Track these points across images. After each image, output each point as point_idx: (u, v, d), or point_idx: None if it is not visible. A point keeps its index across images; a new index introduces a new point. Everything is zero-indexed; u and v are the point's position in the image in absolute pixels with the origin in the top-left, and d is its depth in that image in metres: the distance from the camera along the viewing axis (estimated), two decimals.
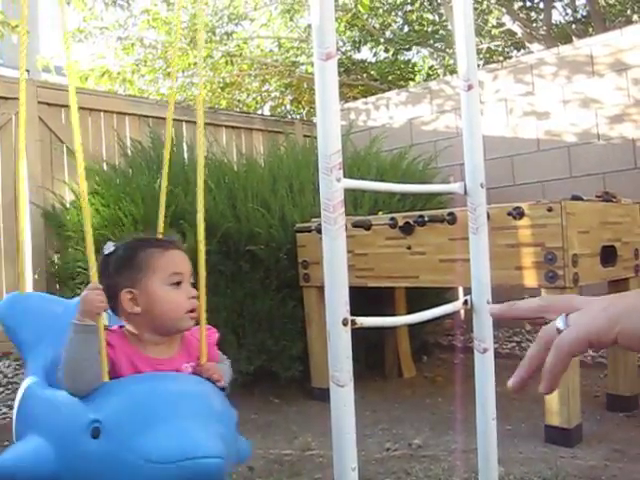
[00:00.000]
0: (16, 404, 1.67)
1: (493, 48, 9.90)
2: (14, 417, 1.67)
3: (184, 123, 5.48)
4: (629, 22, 8.29)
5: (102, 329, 1.45)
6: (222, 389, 1.55)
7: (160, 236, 1.87)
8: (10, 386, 3.67)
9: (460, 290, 4.34)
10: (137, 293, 1.51)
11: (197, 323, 1.62)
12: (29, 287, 4.57)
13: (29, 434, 1.49)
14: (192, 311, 1.55)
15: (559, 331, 0.66)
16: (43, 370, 1.70)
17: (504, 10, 8.75)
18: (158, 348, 1.54)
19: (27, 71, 10.86)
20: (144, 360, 1.50)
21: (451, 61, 9.49)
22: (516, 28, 8.84)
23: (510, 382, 0.76)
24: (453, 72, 8.16)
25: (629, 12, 9.13)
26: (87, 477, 1.37)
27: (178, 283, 1.53)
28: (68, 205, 4.45)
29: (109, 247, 1.60)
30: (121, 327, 1.58)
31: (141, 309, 1.51)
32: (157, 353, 1.54)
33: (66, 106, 4.84)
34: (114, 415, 1.35)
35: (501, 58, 9.22)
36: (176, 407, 1.37)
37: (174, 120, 5.52)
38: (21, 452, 1.46)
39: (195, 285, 1.61)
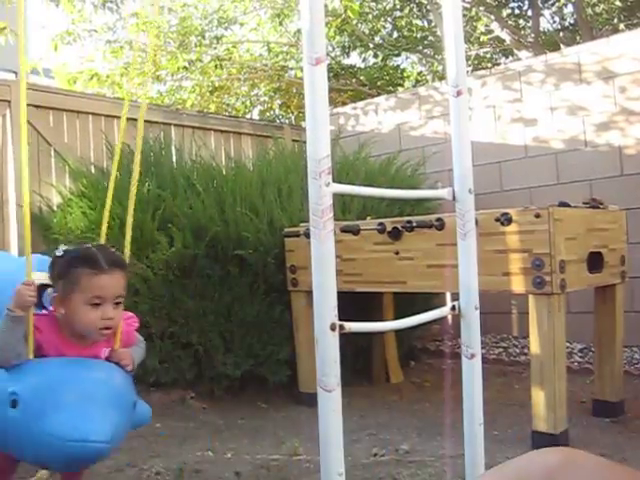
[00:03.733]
0: None
1: (482, 55, 9.96)
2: None
3: (172, 127, 5.46)
4: (616, 31, 8.36)
5: (31, 318, 1.72)
6: (130, 371, 1.85)
7: (108, 249, 1.96)
8: None
9: (448, 296, 4.35)
10: (63, 300, 1.75)
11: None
12: None
13: None
14: (106, 328, 1.76)
15: None
16: None
17: (492, 17, 8.81)
18: (84, 336, 1.80)
19: (14, 73, 10.81)
20: (68, 345, 1.77)
21: (440, 67, 9.54)
22: (504, 35, 8.89)
23: None
24: (442, 78, 8.20)
25: (616, 21, 9.21)
26: (7, 440, 1.66)
27: (97, 304, 1.73)
28: (55, 207, 4.42)
29: (60, 250, 1.83)
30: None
31: (64, 313, 1.75)
32: (82, 340, 1.79)
33: (54, 108, 4.82)
34: (29, 391, 1.62)
35: (490, 65, 9.27)
36: (81, 391, 1.62)
37: (162, 124, 5.51)
38: None
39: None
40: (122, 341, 1.87)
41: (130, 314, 1.97)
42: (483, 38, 9.41)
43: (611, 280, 3.09)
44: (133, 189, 2.24)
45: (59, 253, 1.82)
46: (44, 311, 1.83)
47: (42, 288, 1.79)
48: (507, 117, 5.29)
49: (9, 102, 4.56)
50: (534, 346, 2.70)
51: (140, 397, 1.89)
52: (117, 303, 1.78)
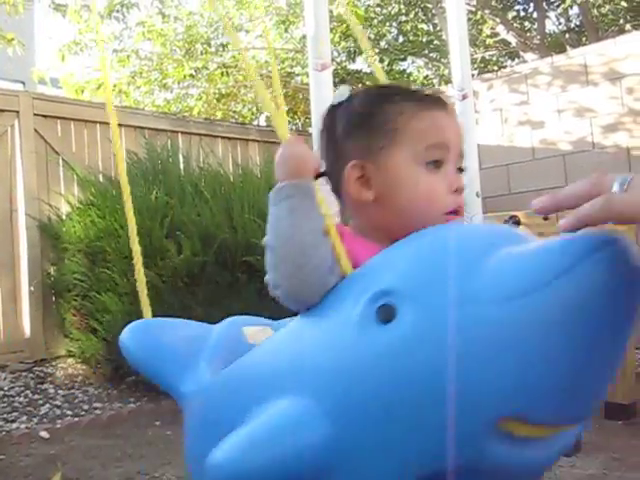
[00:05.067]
0: (191, 428, 1.11)
1: (487, 58, 9.96)
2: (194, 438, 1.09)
3: (179, 134, 5.48)
4: (622, 31, 8.34)
5: (322, 196, 0.89)
6: None
7: None
8: (6, 399, 3.65)
9: None
10: (372, 169, 0.93)
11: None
12: (25, 299, 4.56)
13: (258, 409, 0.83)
14: (455, 212, 0.95)
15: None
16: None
17: (498, 20, 8.81)
18: None
19: (23, 83, 10.88)
20: None
21: (446, 71, 9.53)
22: (510, 38, 8.89)
23: (535, 202, 0.70)
24: (448, 82, 8.19)
25: (622, 22, 9.19)
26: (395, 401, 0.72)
27: (438, 163, 0.93)
28: (64, 217, 4.44)
29: (342, 93, 1.00)
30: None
31: (374, 195, 0.93)
32: None
33: (62, 118, 4.85)
34: (415, 275, 0.76)
35: (495, 68, 9.27)
36: (490, 239, 0.81)
37: (169, 132, 5.53)
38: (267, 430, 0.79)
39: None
40: None
41: None
42: (489, 41, 9.41)
43: None
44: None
45: (341, 98, 1.00)
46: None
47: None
48: (514, 120, 5.28)
49: (17, 112, 4.60)
50: None
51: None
52: (460, 171, 0.99)
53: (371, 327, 0.73)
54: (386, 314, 0.73)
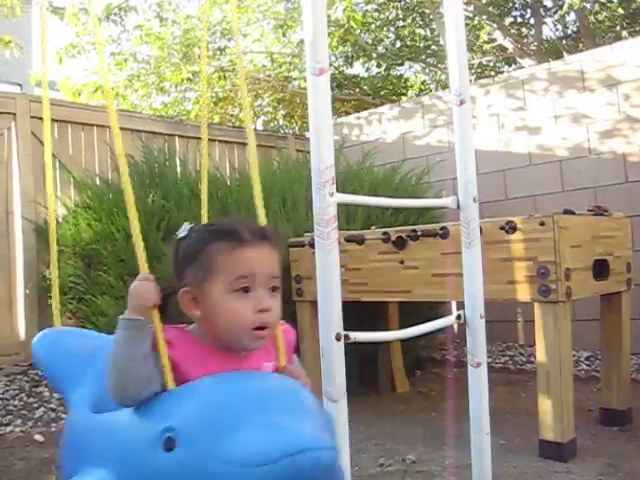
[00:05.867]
0: (63, 441, 1.51)
1: (485, 63, 9.98)
2: (62, 457, 1.50)
3: (176, 138, 5.48)
4: (619, 38, 8.37)
5: (158, 324, 1.22)
6: None
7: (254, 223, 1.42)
8: (0, 402, 3.64)
9: (453, 304, 4.34)
10: (198, 294, 1.23)
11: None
12: (20, 301, 4.55)
13: (83, 469, 1.27)
14: (262, 328, 1.22)
15: None
16: (90, 401, 1.52)
17: (495, 26, 8.83)
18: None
19: (20, 85, 10.87)
20: (213, 357, 1.23)
21: (443, 76, 9.56)
22: (507, 43, 8.91)
23: None
24: (445, 87, 8.22)
25: (618, 28, 9.22)
26: None
27: (246, 289, 1.21)
28: (60, 219, 4.43)
29: (184, 229, 1.31)
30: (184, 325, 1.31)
31: (201, 314, 1.24)
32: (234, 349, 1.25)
33: (59, 121, 4.85)
34: (191, 419, 1.09)
35: (493, 73, 9.29)
36: (266, 403, 1.10)
37: (166, 135, 5.53)
38: None
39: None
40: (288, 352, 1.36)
41: (282, 322, 1.36)
42: (486, 47, 9.43)
43: (617, 287, 3.08)
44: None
45: (183, 233, 1.31)
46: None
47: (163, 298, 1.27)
48: (511, 125, 5.29)
49: (14, 115, 4.59)
50: (540, 354, 2.69)
51: None
52: (274, 289, 1.25)
53: (159, 451, 1.08)
54: (169, 444, 1.07)
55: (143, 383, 1.17)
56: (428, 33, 9.77)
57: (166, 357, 1.19)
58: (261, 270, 1.22)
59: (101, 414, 1.37)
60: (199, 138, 5.82)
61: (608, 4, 8.87)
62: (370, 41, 9.50)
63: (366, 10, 9.07)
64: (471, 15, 8.85)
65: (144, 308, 1.21)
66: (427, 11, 8.97)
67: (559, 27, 9.96)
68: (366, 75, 9.83)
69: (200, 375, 1.17)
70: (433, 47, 9.57)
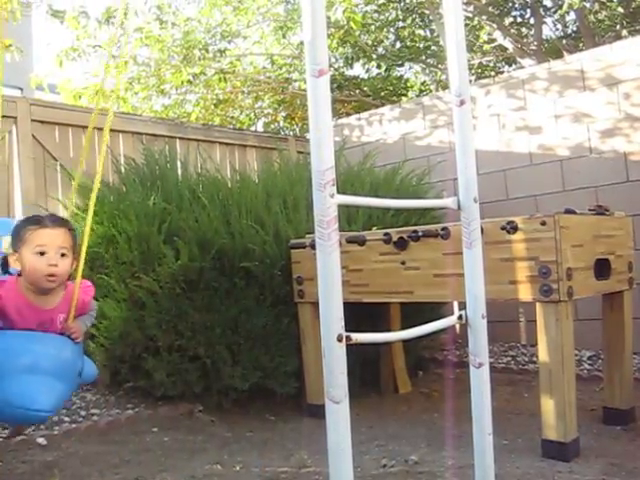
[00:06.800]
0: None
1: (485, 63, 9.98)
2: None
3: (177, 140, 5.48)
4: (618, 37, 8.37)
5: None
6: (78, 343, 2.16)
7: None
8: None
9: (455, 304, 4.34)
10: (19, 257, 2.08)
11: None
12: None
13: None
14: (52, 275, 2.05)
15: None
16: None
17: (495, 26, 8.83)
18: (42, 298, 2.11)
19: (20, 89, 10.87)
20: (28, 307, 2.08)
21: (443, 77, 9.56)
22: (507, 43, 8.91)
23: None
24: (445, 87, 8.21)
25: (618, 27, 9.22)
26: None
27: (42, 253, 2.05)
28: None
29: (16, 220, 2.28)
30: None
31: (21, 268, 2.08)
32: (41, 302, 2.10)
33: (60, 124, 4.85)
34: None
35: (493, 73, 9.29)
36: (30, 362, 1.94)
37: (167, 137, 5.54)
38: None
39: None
40: (77, 309, 2.16)
41: (87, 282, 2.29)
42: (486, 47, 9.43)
43: (619, 287, 3.08)
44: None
45: (17, 221, 2.24)
46: (7, 277, 2.16)
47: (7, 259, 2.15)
48: (511, 125, 5.29)
49: (15, 118, 4.59)
50: (542, 354, 2.69)
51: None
52: (62, 255, 2.08)
53: None
54: None
55: None
56: (428, 34, 9.78)
57: None
58: (53, 243, 2.07)
59: None
60: (200, 140, 5.84)
61: (608, 3, 8.88)
62: (370, 42, 9.49)
63: (366, 11, 9.07)
64: (471, 15, 8.85)
65: None
66: (427, 12, 8.97)
67: (559, 27, 9.96)
68: (366, 76, 9.83)
69: (17, 319, 2.06)
70: (433, 48, 9.57)
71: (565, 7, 7.19)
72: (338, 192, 1.28)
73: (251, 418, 3.52)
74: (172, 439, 3.15)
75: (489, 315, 1.65)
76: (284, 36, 8.80)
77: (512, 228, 2.74)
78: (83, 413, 3.44)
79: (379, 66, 9.59)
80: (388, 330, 3.69)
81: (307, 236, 3.53)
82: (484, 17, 8.85)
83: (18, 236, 2.09)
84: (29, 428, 2.92)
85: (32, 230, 2.07)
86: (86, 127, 4.98)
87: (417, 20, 9.64)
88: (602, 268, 2.93)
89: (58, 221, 2.17)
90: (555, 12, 9.34)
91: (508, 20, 9.52)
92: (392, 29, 9.72)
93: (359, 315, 2.74)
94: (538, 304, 2.68)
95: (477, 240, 1.58)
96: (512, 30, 9.27)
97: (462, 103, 1.57)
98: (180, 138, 5.51)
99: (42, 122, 4.75)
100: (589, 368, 4.36)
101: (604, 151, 4.80)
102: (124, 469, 2.72)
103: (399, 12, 9.43)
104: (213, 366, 3.52)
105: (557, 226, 2.63)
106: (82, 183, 4.41)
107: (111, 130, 5.11)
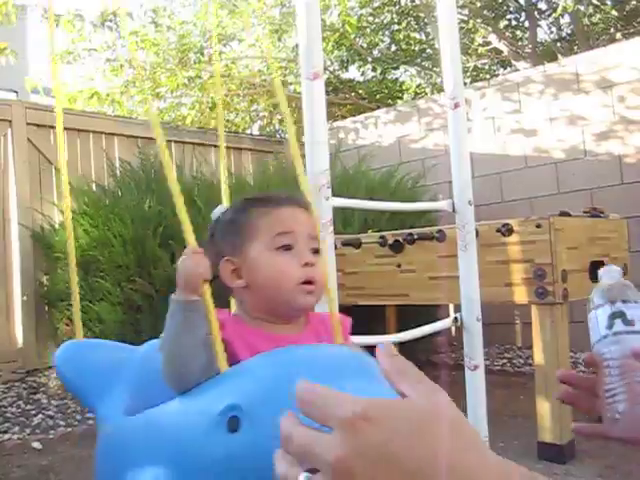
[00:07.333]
0: (98, 458, 1.42)
1: (480, 66, 10.00)
2: (99, 475, 1.43)
3: (173, 143, 5.48)
4: (613, 40, 8.39)
5: (210, 302, 1.11)
6: None
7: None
8: None
9: (451, 307, 4.34)
10: (239, 264, 1.18)
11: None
12: (17, 308, 4.55)
13: (130, 475, 1.13)
14: (308, 282, 1.14)
15: None
16: (124, 407, 1.41)
17: (490, 29, 8.85)
18: (279, 326, 1.18)
19: (15, 92, 10.86)
20: (265, 339, 1.14)
21: (438, 79, 9.56)
22: (502, 46, 8.93)
23: None
24: (441, 90, 8.21)
25: (612, 30, 9.25)
26: None
27: (288, 247, 1.16)
28: (57, 226, 4.43)
29: (220, 210, 1.30)
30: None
31: (245, 282, 1.18)
32: (280, 330, 1.17)
33: (55, 127, 4.85)
34: (255, 396, 0.98)
35: (488, 76, 9.31)
36: (333, 371, 0.99)
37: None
38: None
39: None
40: (343, 336, 1.24)
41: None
42: (481, 50, 9.45)
43: None
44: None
45: (219, 212, 1.30)
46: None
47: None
48: (506, 128, 5.30)
49: (10, 122, 4.59)
50: (538, 356, 2.70)
51: None
52: (315, 252, 1.19)
53: (222, 433, 0.96)
54: (233, 424, 0.95)
55: (205, 368, 1.07)
56: (423, 37, 9.79)
57: (219, 338, 1.09)
58: (299, 228, 1.17)
59: (142, 413, 1.23)
60: (195, 143, 5.85)
61: (602, 6, 8.90)
62: (365, 45, 9.51)
63: (361, 14, 9.08)
64: (466, 18, 8.87)
65: (197, 285, 1.10)
66: (422, 15, 8.99)
67: (553, 30, 9.99)
68: (362, 79, 9.84)
69: (249, 357, 1.07)
70: (428, 51, 9.59)
71: (559, 10, 7.21)
72: (333, 195, 1.28)
73: None
74: None
75: (485, 317, 1.66)
76: (279, 39, 8.81)
77: (507, 230, 2.74)
78: (79, 417, 3.44)
79: (374, 69, 9.60)
80: (384, 333, 3.69)
81: None
82: (479, 20, 8.87)
83: (238, 230, 1.21)
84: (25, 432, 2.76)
85: (263, 212, 1.19)
86: (81, 130, 5.00)
87: (412, 23, 9.65)
88: (597, 270, 2.93)
89: (299, 201, 1.26)
90: (549, 15, 9.37)
91: (503, 23, 9.55)
92: (387, 32, 9.74)
93: (355, 318, 2.73)
94: (533, 306, 2.69)
95: (472, 243, 1.58)
96: (507, 33, 9.29)
97: (456, 106, 1.58)
98: (175, 141, 5.51)
99: (37, 125, 4.75)
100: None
101: (599, 153, 4.82)
102: None
103: (394, 15, 9.44)
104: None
105: (552, 228, 2.63)
106: (77, 186, 4.42)
107: (107, 133, 5.14)
